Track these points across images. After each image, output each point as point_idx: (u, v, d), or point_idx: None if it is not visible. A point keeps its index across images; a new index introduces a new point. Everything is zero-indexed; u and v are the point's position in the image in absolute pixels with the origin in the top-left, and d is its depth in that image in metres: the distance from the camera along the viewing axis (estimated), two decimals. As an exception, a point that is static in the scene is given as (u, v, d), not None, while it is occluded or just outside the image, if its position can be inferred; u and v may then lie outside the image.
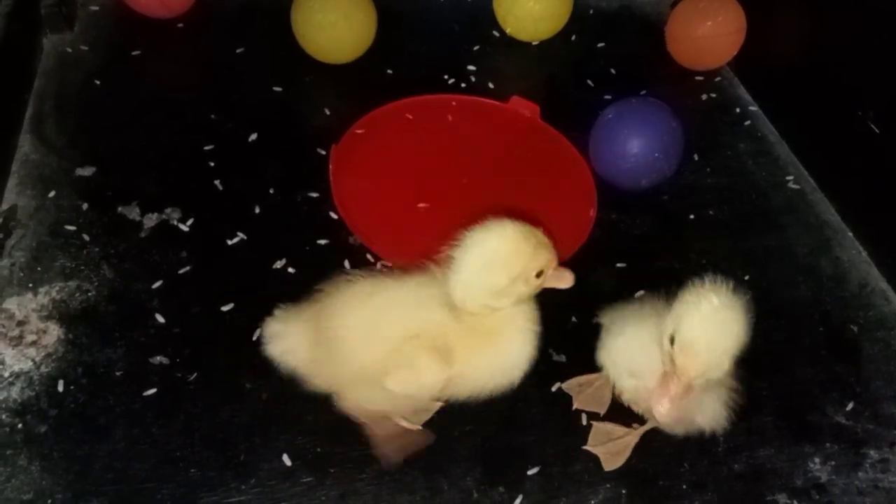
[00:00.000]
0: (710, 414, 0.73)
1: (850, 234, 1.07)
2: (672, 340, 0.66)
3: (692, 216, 1.06)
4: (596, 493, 0.77)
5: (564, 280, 0.71)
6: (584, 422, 0.82)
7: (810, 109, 1.15)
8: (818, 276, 1.01)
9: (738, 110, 1.23)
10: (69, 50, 1.17)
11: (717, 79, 1.27)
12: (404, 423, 0.78)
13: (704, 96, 1.25)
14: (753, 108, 1.24)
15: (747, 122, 1.21)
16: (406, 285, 0.71)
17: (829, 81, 1.11)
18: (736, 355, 0.66)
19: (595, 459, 0.79)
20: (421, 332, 0.68)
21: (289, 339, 0.73)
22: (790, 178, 1.13)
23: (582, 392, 0.83)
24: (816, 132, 1.14)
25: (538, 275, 0.69)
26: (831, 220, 1.08)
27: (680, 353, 0.65)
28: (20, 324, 0.84)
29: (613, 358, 0.76)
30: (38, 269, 0.89)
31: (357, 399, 0.73)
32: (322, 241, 0.96)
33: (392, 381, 0.68)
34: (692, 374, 0.65)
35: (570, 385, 0.84)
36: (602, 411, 0.82)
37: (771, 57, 1.24)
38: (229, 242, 0.94)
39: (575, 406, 0.83)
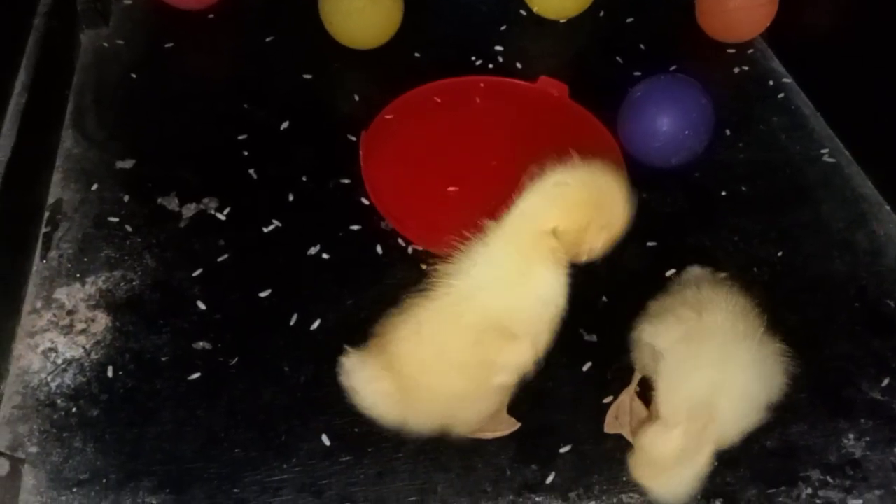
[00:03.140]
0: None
1: (888, 207, 1.04)
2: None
3: (724, 193, 1.05)
4: (628, 471, 0.78)
5: (594, 254, 0.70)
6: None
7: (846, 80, 1.12)
8: (854, 250, 0.99)
9: (771, 83, 1.21)
10: (105, 45, 1.20)
11: (750, 51, 1.25)
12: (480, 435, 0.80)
13: (737, 69, 1.22)
14: (787, 80, 1.21)
15: (781, 95, 1.19)
16: (434, 303, 0.69)
17: (865, 51, 1.08)
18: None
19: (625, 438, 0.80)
20: (479, 338, 0.67)
21: (368, 372, 0.71)
22: (825, 151, 1.11)
23: (626, 422, 0.82)
24: (853, 103, 1.11)
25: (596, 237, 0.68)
26: (868, 193, 1.06)
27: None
28: (70, 313, 0.88)
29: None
30: (85, 259, 0.93)
31: (463, 420, 0.74)
32: (354, 227, 0.98)
33: (497, 380, 0.69)
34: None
35: (612, 425, 0.82)
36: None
37: (805, 27, 1.21)
38: (265, 230, 0.97)
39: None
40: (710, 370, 0.69)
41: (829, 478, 0.79)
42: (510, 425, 0.80)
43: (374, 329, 0.73)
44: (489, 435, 0.79)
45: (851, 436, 0.82)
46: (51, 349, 0.85)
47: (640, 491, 0.77)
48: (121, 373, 0.84)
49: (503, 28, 1.27)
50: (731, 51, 1.25)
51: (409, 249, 0.96)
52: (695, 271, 0.84)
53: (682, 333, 0.73)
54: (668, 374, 0.72)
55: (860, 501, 0.78)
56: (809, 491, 0.78)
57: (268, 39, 1.22)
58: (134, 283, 0.91)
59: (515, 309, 0.68)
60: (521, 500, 0.76)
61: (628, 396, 0.81)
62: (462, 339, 0.68)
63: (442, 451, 0.79)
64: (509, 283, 0.68)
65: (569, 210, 0.67)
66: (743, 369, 0.70)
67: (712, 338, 0.71)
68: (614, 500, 0.77)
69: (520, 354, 0.68)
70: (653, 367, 0.74)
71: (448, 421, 0.73)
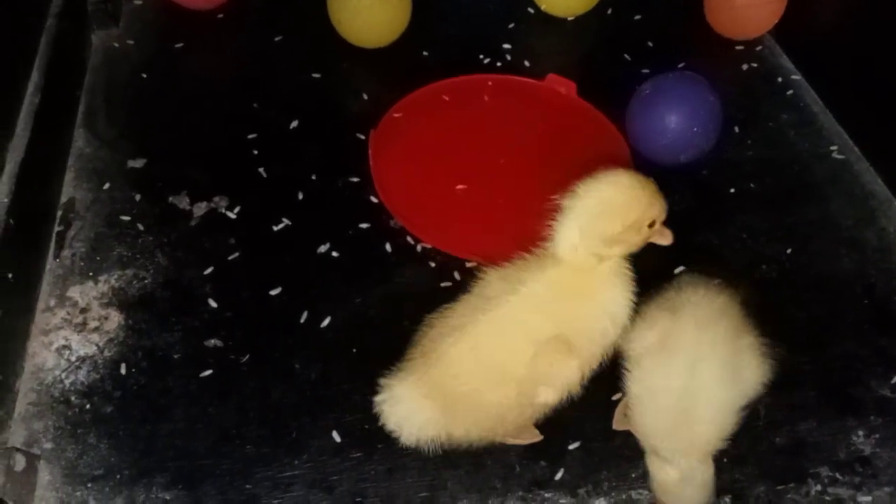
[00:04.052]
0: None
1: (898, 204, 1.05)
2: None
3: (732, 190, 1.05)
4: (636, 468, 0.79)
5: (666, 237, 0.73)
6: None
7: (855, 77, 1.12)
8: (863, 248, 0.99)
9: (779, 80, 1.21)
10: (116, 45, 1.21)
11: (758, 48, 1.25)
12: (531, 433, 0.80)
13: (745, 66, 1.22)
14: (796, 77, 1.21)
15: (789, 92, 1.19)
16: (490, 313, 0.69)
17: (874, 47, 1.08)
18: None
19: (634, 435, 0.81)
20: (535, 348, 0.68)
21: (408, 405, 0.70)
22: (834, 148, 1.11)
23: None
24: (862, 100, 1.11)
25: (650, 224, 0.71)
26: (877, 190, 1.06)
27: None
28: (83, 311, 0.89)
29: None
30: (97, 258, 0.94)
31: (504, 429, 0.74)
32: (364, 225, 0.98)
33: (544, 396, 0.69)
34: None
35: (621, 422, 0.82)
36: None
37: (814, 23, 1.20)
38: (275, 228, 0.98)
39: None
40: (679, 379, 0.69)
41: (838, 475, 0.79)
42: (533, 436, 0.80)
43: (409, 351, 0.72)
44: (510, 441, 0.80)
45: (860, 433, 0.82)
46: (65, 347, 0.86)
47: (649, 487, 0.77)
48: (133, 370, 0.84)
49: (511, 26, 1.27)
50: (740, 48, 1.24)
51: (418, 247, 0.97)
52: (686, 278, 0.84)
53: (653, 340, 0.72)
54: (639, 384, 0.72)
55: (869, 498, 0.78)
56: (819, 488, 0.78)
57: (276, 39, 1.23)
58: (146, 282, 0.92)
59: (583, 323, 0.69)
60: (530, 496, 0.77)
61: None
62: (523, 352, 0.68)
63: (451, 448, 0.79)
64: (580, 296, 0.70)
65: (619, 210, 0.69)
66: (715, 373, 0.69)
67: (683, 344, 0.70)
68: (623, 497, 0.77)
69: (572, 370, 0.69)
70: (626, 375, 0.75)
71: (486, 434, 0.73)
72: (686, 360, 0.69)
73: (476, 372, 0.68)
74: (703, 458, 0.70)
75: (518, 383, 0.68)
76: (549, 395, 0.69)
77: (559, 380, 0.69)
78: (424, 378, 0.69)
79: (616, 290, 0.71)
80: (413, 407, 0.69)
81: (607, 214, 0.69)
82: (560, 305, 0.69)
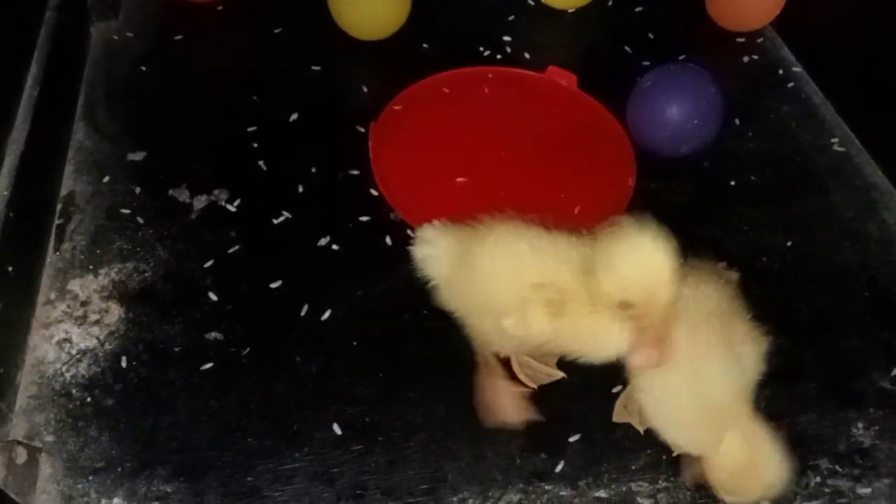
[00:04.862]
0: None
1: (899, 196, 1.04)
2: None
3: (733, 182, 1.05)
4: (637, 459, 0.79)
5: (643, 355, 0.68)
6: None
7: (857, 69, 1.12)
8: (864, 240, 0.99)
9: (781, 72, 1.20)
10: (115, 38, 1.20)
11: (760, 40, 1.24)
12: (522, 377, 0.82)
13: (746, 58, 1.22)
14: (797, 69, 1.21)
15: (791, 84, 1.18)
16: (550, 237, 0.74)
17: (876, 39, 1.07)
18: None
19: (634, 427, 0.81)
20: (546, 283, 0.70)
21: (437, 248, 0.78)
22: (835, 140, 1.11)
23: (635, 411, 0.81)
24: (863, 92, 1.11)
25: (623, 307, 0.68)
26: (878, 182, 1.06)
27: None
28: (84, 304, 0.89)
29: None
30: (98, 251, 0.94)
31: (479, 328, 0.77)
32: (364, 218, 0.98)
33: (506, 321, 0.71)
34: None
35: (621, 414, 0.82)
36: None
37: (815, 15, 1.20)
38: (275, 221, 0.98)
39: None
40: (682, 388, 0.69)
41: (837, 467, 0.79)
42: (552, 373, 0.82)
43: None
44: (529, 383, 0.82)
45: (860, 425, 0.82)
46: (65, 340, 0.86)
47: (649, 479, 0.78)
48: (134, 363, 0.85)
49: (511, 18, 1.26)
50: (741, 40, 1.24)
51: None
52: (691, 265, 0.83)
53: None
54: (647, 395, 0.72)
55: (869, 490, 0.78)
56: (818, 479, 0.78)
57: (276, 31, 1.22)
58: (146, 275, 0.92)
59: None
60: (530, 488, 0.77)
61: None
62: (535, 262, 0.72)
63: (452, 440, 0.80)
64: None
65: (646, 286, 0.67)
66: (717, 370, 0.69)
67: (679, 350, 0.69)
68: (623, 489, 0.77)
69: (537, 326, 0.70)
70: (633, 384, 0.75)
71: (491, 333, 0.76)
72: (685, 365, 0.69)
73: (493, 257, 0.74)
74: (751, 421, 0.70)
75: (515, 293, 0.71)
76: (508, 327, 0.72)
77: (528, 325, 0.71)
78: (461, 232, 0.77)
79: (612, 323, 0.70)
80: (440, 238, 0.78)
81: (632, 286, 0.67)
82: (581, 304, 0.70)
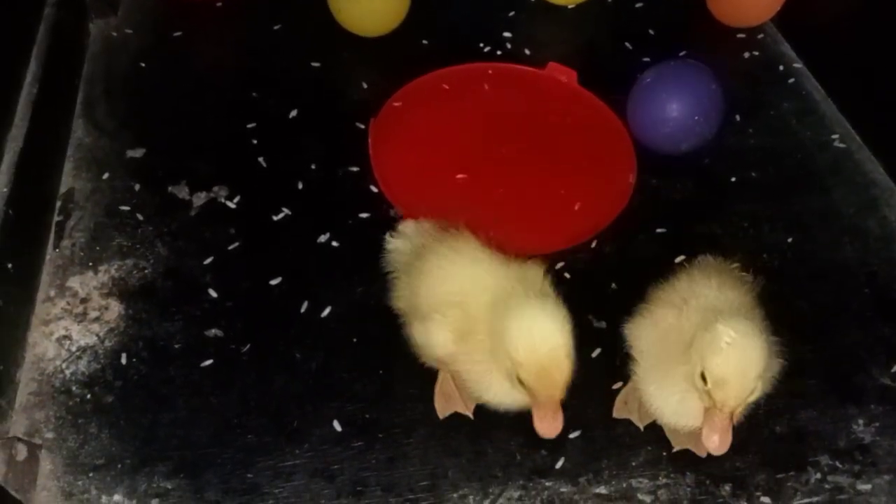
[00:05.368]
0: None
1: (899, 192, 1.04)
2: (704, 379, 0.65)
3: (734, 179, 1.05)
4: (637, 456, 0.79)
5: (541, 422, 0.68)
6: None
7: (858, 65, 1.11)
8: (865, 236, 0.99)
9: (781, 68, 1.20)
10: (114, 34, 1.20)
11: (760, 36, 1.24)
12: (437, 396, 0.81)
13: (747, 54, 1.22)
14: (798, 65, 1.20)
15: (791, 80, 1.18)
16: (489, 262, 0.74)
17: (877, 35, 1.07)
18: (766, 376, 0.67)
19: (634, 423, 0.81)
20: (465, 305, 0.71)
21: (405, 243, 0.81)
22: (836, 136, 1.10)
23: (635, 408, 0.81)
24: (864, 88, 1.10)
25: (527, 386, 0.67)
26: (879, 178, 1.06)
27: (715, 389, 0.65)
28: (83, 301, 0.89)
29: (655, 404, 0.74)
30: (97, 248, 0.94)
31: (412, 330, 0.77)
32: (364, 215, 0.98)
33: (415, 325, 0.74)
34: (732, 404, 0.65)
35: (621, 410, 0.82)
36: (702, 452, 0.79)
37: (816, 11, 1.19)
38: (275, 218, 0.98)
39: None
40: (681, 369, 0.69)
41: (838, 463, 0.79)
42: (464, 407, 0.80)
43: None
44: (451, 399, 0.81)
45: (861, 421, 0.82)
46: (65, 337, 0.86)
47: (649, 476, 0.78)
48: (134, 360, 0.84)
49: (511, 14, 1.26)
50: (741, 36, 1.24)
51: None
52: (705, 260, 0.83)
53: (657, 336, 0.72)
54: (644, 379, 0.72)
55: (869, 486, 0.78)
56: (818, 476, 0.78)
57: (276, 27, 1.22)
58: (146, 272, 0.92)
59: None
60: (530, 484, 0.77)
61: None
62: (467, 279, 0.74)
63: (452, 437, 0.80)
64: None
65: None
66: None
67: (686, 338, 0.69)
68: (623, 485, 0.77)
69: (429, 332, 0.73)
70: (633, 369, 0.75)
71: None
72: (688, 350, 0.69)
73: (437, 262, 0.75)
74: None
75: (433, 303, 0.73)
76: (413, 331, 0.76)
77: (427, 336, 0.73)
78: (433, 233, 0.80)
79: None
80: (412, 236, 0.81)
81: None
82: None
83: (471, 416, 0.80)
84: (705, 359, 0.65)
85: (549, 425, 0.68)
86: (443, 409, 0.81)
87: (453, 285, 0.73)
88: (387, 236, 0.83)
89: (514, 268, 0.73)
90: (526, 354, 0.64)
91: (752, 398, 0.67)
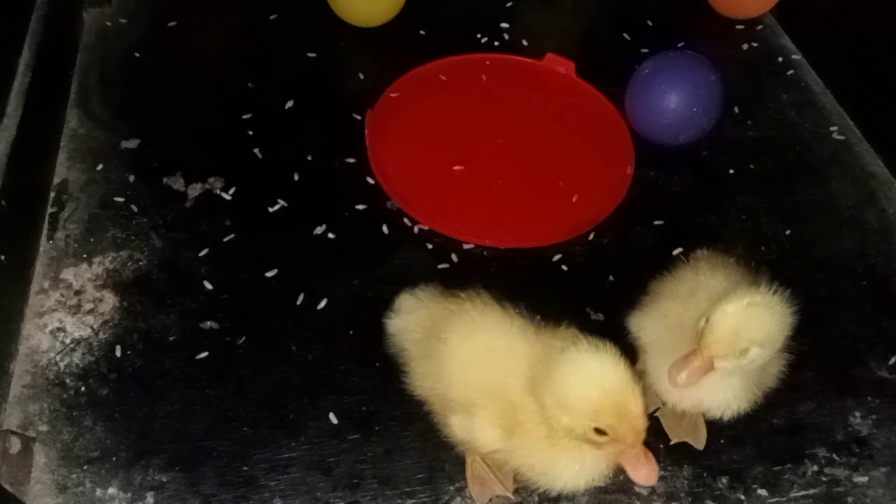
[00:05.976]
0: (721, 398, 0.70)
1: (898, 185, 1.04)
2: (707, 320, 0.65)
3: (732, 171, 1.04)
4: (635, 448, 0.78)
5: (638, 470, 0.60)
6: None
7: (856, 57, 1.11)
8: (863, 229, 0.99)
9: (780, 60, 1.19)
10: (108, 24, 1.19)
11: (759, 27, 1.23)
12: (469, 480, 0.75)
13: (746, 46, 1.21)
14: (797, 56, 1.20)
15: (790, 72, 1.18)
16: (519, 332, 0.65)
17: (876, 27, 1.07)
18: (770, 353, 0.66)
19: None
20: (495, 391, 0.63)
21: (410, 320, 0.72)
22: (835, 128, 1.10)
23: (678, 426, 0.80)
24: (863, 80, 1.10)
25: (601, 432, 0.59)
26: (877, 171, 1.05)
27: (707, 330, 0.64)
28: (77, 293, 0.89)
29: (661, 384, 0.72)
30: (91, 240, 0.93)
31: (447, 423, 0.69)
32: (360, 207, 0.98)
33: (453, 420, 0.66)
34: (713, 352, 0.64)
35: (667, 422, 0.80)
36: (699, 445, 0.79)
37: (815, 3, 1.19)
38: (270, 210, 0.97)
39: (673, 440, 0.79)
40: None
41: (835, 455, 0.79)
42: (503, 490, 0.74)
43: None
44: (486, 484, 0.74)
45: (858, 414, 0.82)
46: (59, 329, 0.86)
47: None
48: (129, 352, 0.84)
49: (509, 5, 1.25)
50: (740, 27, 1.23)
51: (415, 229, 0.96)
52: (703, 254, 0.83)
53: (665, 327, 0.71)
54: (653, 370, 0.72)
55: (866, 479, 0.78)
56: (815, 468, 0.78)
57: (272, 17, 1.21)
58: (141, 263, 0.91)
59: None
60: (527, 477, 0.77)
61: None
62: (498, 365, 0.65)
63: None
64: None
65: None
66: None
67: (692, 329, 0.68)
68: (621, 478, 0.77)
69: (474, 430, 0.64)
70: (640, 361, 0.74)
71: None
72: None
73: (453, 345, 0.66)
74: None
75: (467, 392, 0.65)
76: (453, 426, 0.67)
77: (473, 432, 0.65)
78: (436, 305, 0.71)
79: (574, 461, 0.62)
80: (415, 310, 0.72)
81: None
82: (538, 427, 0.62)
83: (511, 496, 0.74)
84: (719, 303, 0.64)
85: (647, 468, 0.60)
86: (480, 494, 0.74)
87: (492, 372, 0.63)
88: (384, 319, 0.75)
89: (547, 338, 0.64)
90: (597, 396, 0.57)
91: (742, 361, 0.65)
